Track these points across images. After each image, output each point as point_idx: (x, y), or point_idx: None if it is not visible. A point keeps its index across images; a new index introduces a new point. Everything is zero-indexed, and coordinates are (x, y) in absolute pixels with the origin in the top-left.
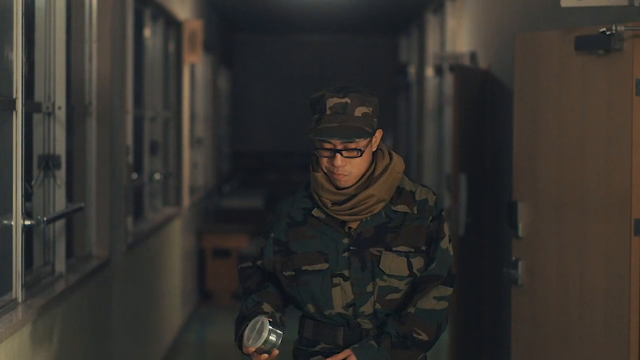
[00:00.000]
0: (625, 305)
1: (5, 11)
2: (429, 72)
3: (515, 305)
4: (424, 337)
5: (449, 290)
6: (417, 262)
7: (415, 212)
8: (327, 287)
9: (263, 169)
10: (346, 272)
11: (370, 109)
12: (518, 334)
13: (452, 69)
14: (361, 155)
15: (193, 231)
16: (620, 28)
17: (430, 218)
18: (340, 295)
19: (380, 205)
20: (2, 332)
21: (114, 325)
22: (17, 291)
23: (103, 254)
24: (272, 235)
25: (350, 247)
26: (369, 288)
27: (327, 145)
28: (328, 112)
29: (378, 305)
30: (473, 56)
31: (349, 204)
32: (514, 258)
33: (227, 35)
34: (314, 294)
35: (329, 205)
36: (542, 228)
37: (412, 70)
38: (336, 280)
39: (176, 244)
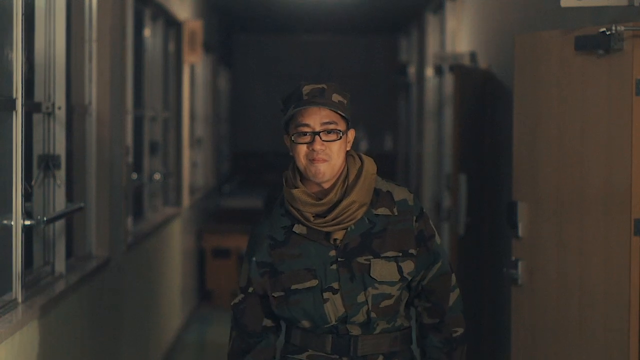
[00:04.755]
0: (625, 305)
1: (5, 11)
2: (429, 72)
3: (515, 305)
4: (460, 331)
5: (454, 277)
6: (407, 266)
7: (396, 213)
8: (319, 304)
9: (263, 169)
10: (335, 285)
11: (346, 100)
12: (518, 334)
13: (452, 69)
14: (340, 139)
15: (193, 231)
16: (620, 28)
17: (414, 218)
18: (332, 310)
19: (363, 210)
20: (2, 332)
21: (114, 325)
22: (17, 291)
23: (103, 254)
24: (254, 259)
25: (338, 259)
26: (361, 298)
27: (306, 129)
28: (305, 97)
29: (373, 314)
30: (473, 56)
31: (332, 215)
32: (514, 258)
33: (227, 35)
34: (307, 312)
35: (312, 219)
36: (542, 228)
37: (412, 70)
38: (326, 295)
39: (176, 244)
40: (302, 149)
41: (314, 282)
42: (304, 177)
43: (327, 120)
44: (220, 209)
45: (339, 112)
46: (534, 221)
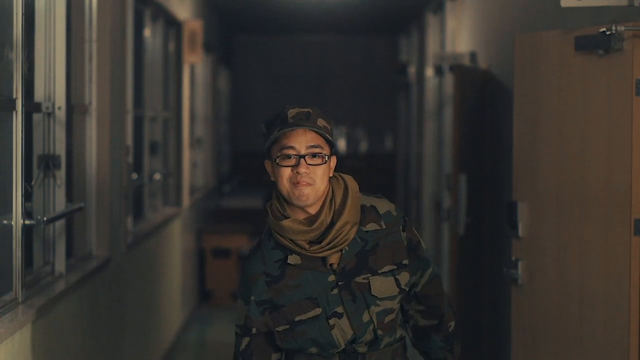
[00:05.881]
0: (625, 305)
1: (5, 11)
2: (429, 72)
3: (515, 305)
4: (453, 324)
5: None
6: (403, 278)
7: (384, 226)
8: (326, 331)
9: (263, 169)
10: (339, 309)
11: (330, 126)
12: (518, 334)
13: (452, 69)
14: (325, 163)
15: (193, 231)
16: (620, 28)
17: (401, 228)
18: (340, 334)
19: (354, 230)
20: (2, 332)
21: (114, 325)
22: (17, 291)
23: (103, 254)
24: (253, 298)
25: (339, 283)
26: (365, 317)
27: (291, 152)
28: (290, 120)
29: (380, 331)
30: (473, 56)
31: (327, 239)
32: (514, 258)
33: (227, 35)
34: (315, 340)
35: (307, 246)
36: (542, 228)
37: (412, 70)
38: (332, 321)
39: (176, 244)
40: (286, 172)
41: (317, 311)
42: (289, 204)
43: (312, 144)
44: (220, 209)
45: (325, 135)
46: (534, 221)
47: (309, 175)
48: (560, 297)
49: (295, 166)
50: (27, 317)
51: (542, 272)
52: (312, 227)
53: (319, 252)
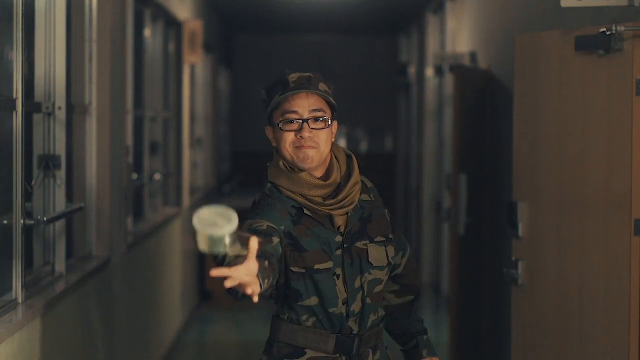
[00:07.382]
0: (625, 305)
1: (5, 11)
2: (429, 72)
3: (515, 305)
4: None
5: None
6: (390, 251)
7: (373, 199)
8: (332, 286)
9: (263, 169)
10: (338, 270)
11: (330, 90)
12: (518, 334)
13: (452, 69)
14: (327, 127)
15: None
16: (620, 28)
17: (381, 205)
18: (340, 293)
19: (358, 193)
20: (2, 332)
21: (114, 325)
22: (17, 291)
23: (103, 254)
24: (282, 227)
25: (344, 245)
26: (357, 283)
27: (293, 116)
28: (292, 85)
29: (368, 300)
30: (473, 56)
31: (343, 194)
32: (514, 258)
33: (227, 35)
34: (321, 290)
35: (322, 201)
36: (542, 228)
37: (412, 70)
38: (334, 278)
39: (176, 244)
40: (289, 137)
41: (330, 264)
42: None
43: (315, 108)
44: None
45: (328, 98)
46: (534, 221)
47: (313, 139)
48: (560, 297)
49: (298, 130)
50: (27, 317)
51: (542, 272)
52: (328, 182)
53: (334, 207)
